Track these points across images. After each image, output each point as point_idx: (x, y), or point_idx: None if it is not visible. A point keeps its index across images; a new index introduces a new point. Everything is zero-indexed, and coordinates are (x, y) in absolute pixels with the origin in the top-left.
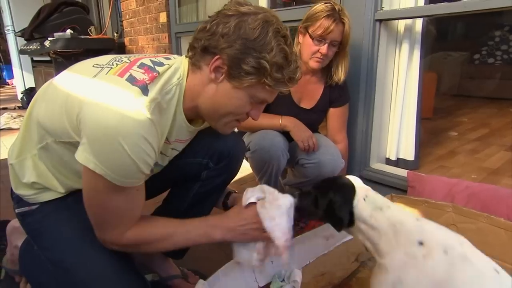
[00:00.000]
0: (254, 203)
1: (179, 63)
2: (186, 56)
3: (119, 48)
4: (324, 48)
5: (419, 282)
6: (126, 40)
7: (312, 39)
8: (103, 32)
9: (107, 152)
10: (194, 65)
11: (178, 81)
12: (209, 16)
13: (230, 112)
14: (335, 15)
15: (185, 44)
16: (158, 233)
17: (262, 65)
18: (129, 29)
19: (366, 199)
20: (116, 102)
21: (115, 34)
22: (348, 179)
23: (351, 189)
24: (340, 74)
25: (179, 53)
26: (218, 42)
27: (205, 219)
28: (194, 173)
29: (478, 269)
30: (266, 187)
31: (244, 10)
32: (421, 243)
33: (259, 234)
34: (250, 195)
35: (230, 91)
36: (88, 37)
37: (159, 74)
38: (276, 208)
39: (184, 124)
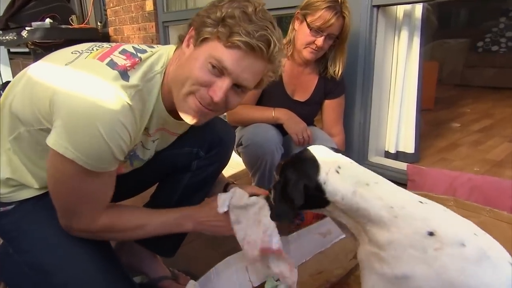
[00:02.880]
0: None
1: (164, 51)
2: (176, 48)
3: (103, 38)
4: (320, 40)
5: (429, 281)
6: (111, 30)
7: (310, 29)
8: (86, 21)
9: (82, 136)
10: (178, 48)
11: (162, 69)
12: None
13: (187, 76)
14: (337, 7)
15: (173, 34)
16: (132, 222)
17: (218, 17)
18: (113, 18)
19: (340, 170)
20: (94, 86)
21: (99, 23)
22: (308, 150)
23: (310, 161)
24: (337, 70)
25: (167, 43)
26: (194, 19)
27: (178, 210)
28: (184, 164)
29: (496, 266)
30: (238, 190)
31: None
32: (431, 234)
33: (227, 231)
34: (224, 198)
35: (191, 54)
36: (69, 26)
37: (141, 60)
38: (244, 214)
39: (163, 114)
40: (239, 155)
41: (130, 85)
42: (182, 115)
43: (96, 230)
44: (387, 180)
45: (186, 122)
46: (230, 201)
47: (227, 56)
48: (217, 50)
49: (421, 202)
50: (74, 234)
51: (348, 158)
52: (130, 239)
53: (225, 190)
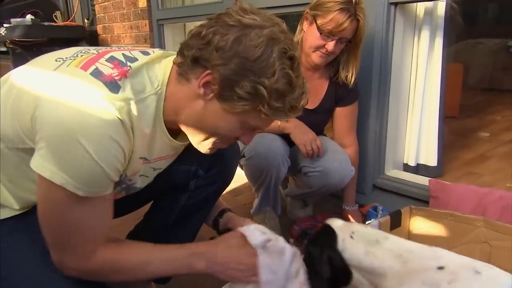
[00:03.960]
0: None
1: (161, 66)
2: (174, 62)
3: (90, 37)
4: (331, 45)
5: None
6: (99, 28)
7: (320, 32)
8: (71, 18)
9: (69, 157)
10: (181, 75)
11: (156, 90)
12: (207, 18)
13: (217, 134)
14: (351, 9)
15: (168, 33)
16: (132, 260)
17: (259, 92)
18: (102, 14)
19: (353, 235)
20: (77, 98)
21: (86, 20)
22: (325, 223)
23: (328, 232)
24: (350, 76)
25: (161, 43)
26: (211, 55)
27: (188, 246)
28: (181, 183)
29: None
30: (267, 230)
31: (247, 22)
32: (441, 268)
33: (248, 277)
34: (256, 236)
35: (219, 112)
36: (53, 24)
37: (130, 69)
38: (279, 259)
39: (167, 139)
40: (241, 168)
41: (122, 98)
42: (200, 150)
43: (93, 268)
44: (398, 237)
45: (185, 143)
46: (261, 240)
47: (265, 123)
48: (254, 120)
49: (426, 246)
50: (67, 273)
51: (360, 224)
52: (132, 280)
53: (220, 216)
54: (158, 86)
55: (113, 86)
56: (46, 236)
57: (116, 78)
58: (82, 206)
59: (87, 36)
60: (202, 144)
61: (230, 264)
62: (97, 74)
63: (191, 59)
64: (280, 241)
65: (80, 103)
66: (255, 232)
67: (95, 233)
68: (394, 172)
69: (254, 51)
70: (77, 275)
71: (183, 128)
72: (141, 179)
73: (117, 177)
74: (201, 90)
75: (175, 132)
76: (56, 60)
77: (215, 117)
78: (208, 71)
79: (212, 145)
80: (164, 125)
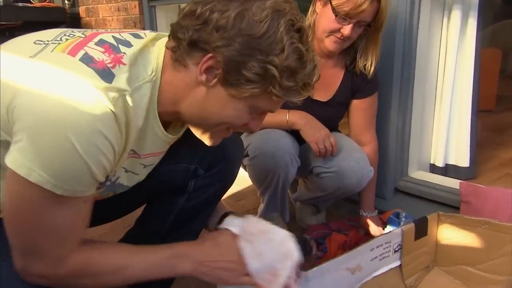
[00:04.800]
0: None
1: (154, 50)
2: (166, 47)
3: (72, 20)
4: (347, 29)
5: None
6: (82, 10)
7: (335, 14)
8: None
9: (52, 151)
10: (177, 60)
11: (151, 77)
12: None
13: (223, 123)
14: None
15: (161, 16)
16: (109, 263)
17: (269, 72)
18: None
19: None
20: (65, 88)
21: (66, 2)
22: None
23: None
24: (369, 65)
25: (153, 28)
26: (211, 36)
27: (169, 246)
28: (178, 184)
29: None
30: (252, 217)
31: None
32: None
33: (237, 277)
34: (230, 223)
35: (225, 99)
36: (29, 5)
37: (125, 56)
38: (265, 242)
39: (160, 133)
40: (245, 169)
41: (114, 87)
42: (200, 137)
43: (64, 275)
44: None
45: (177, 136)
46: (243, 227)
47: (276, 105)
48: (264, 103)
49: None
50: (32, 281)
51: None
52: (104, 286)
53: (221, 223)
54: (152, 72)
55: (106, 74)
56: (11, 240)
57: (109, 65)
58: (58, 206)
59: (68, 20)
60: (207, 134)
61: (218, 263)
62: (87, 60)
63: (188, 43)
64: (267, 225)
65: (69, 93)
66: (234, 221)
67: (68, 238)
68: (419, 174)
69: (259, 26)
70: (44, 282)
71: (186, 119)
72: (128, 176)
73: (102, 177)
74: (203, 77)
75: (166, 125)
76: (35, 43)
77: (220, 105)
78: (209, 55)
79: (218, 134)
80: (158, 117)
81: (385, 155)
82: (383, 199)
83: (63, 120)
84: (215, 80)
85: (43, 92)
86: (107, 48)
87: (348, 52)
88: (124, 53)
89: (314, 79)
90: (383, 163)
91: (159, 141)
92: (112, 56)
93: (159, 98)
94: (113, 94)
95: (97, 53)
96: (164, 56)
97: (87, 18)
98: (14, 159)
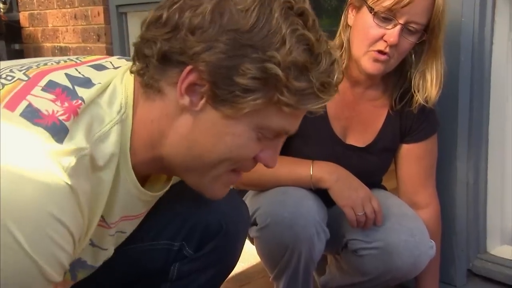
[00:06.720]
0: None
1: (122, 82)
2: (130, 71)
3: (8, 31)
4: (393, 33)
5: None
6: (23, 17)
7: (374, 14)
8: None
9: None
10: (148, 86)
11: (119, 116)
12: None
13: (224, 158)
14: None
15: (134, 26)
16: None
17: (270, 72)
18: None
19: None
20: (3, 158)
21: (1, 5)
22: None
23: None
24: (431, 90)
25: (123, 41)
26: (185, 42)
27: None
28: (158, 267)
29: None
30: None
31: None
32: None
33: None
34: None
35: (219, 124)
36: None
37: (84, 103)
38: None
39: (135, 190)
40: (251, 242)
41: (67, 150)
42: (207, 194)
43: None
44: None
45: (160, 193)
46: None
47: (292, 122)
48: (274, 120)
49: None
50: None
51: None
52: None
53: None
54: (121, 109)
55: (58, 130)
56: None
57: (61, 117)
58: None
59: (3, 30)
60: (205, 179)
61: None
62: (31, 114)
63: (158, 58)
64: None
65: (6, 165)
66: None
67: None
68: (501, 250)
69: (246, 16)
70: None
71: (172, 165)
72: (93, 252)
73: (60, 274)
74: (185, 100)
75: (144, 178)
76: None
77: (215, 133)
78: (188, 68)
79: (221, 180)
80: (131, 169)
81: (452, 223)
82: (452, 287)
83: (0, 205)
84: (203, 101)
85: None
86: (58, 94)
87: (394, 81)
88: (82, 98)
89: (336, 76)
90: (450, 234)
91: (134, 201)
92: (66, 104)
93: (132, 143)
94: (68, 160)
95: (45, 103)
96: (134, 85)
97: (31, 28)
98: None
